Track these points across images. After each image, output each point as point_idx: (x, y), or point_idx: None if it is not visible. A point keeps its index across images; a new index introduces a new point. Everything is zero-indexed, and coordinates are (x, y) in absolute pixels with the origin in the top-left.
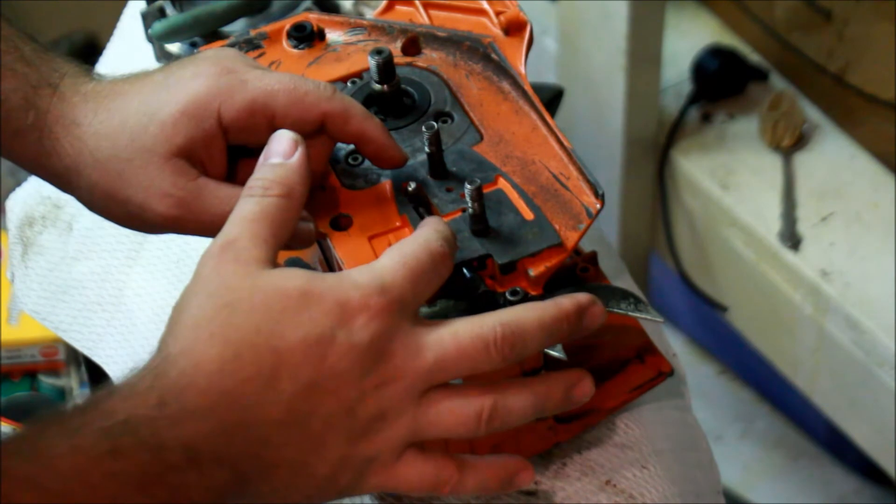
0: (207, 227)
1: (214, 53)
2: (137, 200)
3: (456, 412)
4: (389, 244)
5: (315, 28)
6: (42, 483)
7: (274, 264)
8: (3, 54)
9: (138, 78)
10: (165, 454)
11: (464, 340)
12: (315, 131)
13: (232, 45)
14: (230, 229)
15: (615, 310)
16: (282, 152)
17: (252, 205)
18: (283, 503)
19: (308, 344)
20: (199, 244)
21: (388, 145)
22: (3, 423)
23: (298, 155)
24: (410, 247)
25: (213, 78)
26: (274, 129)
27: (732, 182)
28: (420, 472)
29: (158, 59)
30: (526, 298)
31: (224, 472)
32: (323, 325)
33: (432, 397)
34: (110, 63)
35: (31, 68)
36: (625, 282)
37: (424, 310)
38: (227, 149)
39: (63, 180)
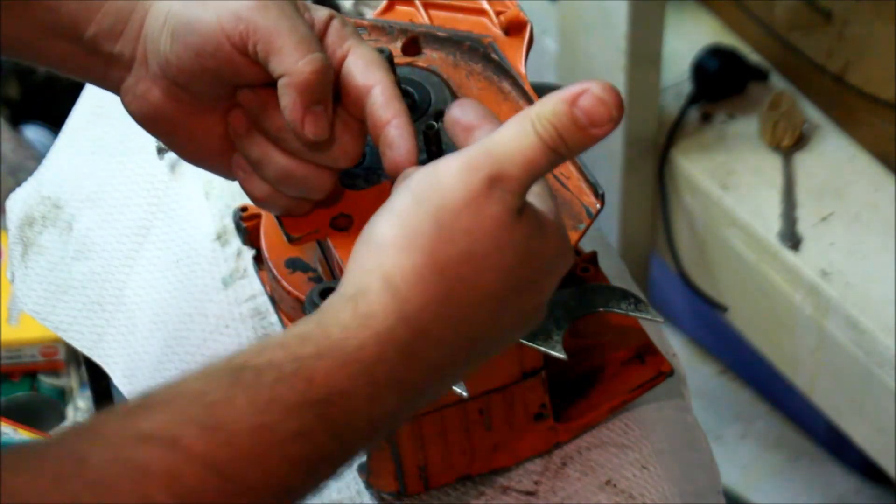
0: None
1: None
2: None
3: None
4: None
5: None
6: (216, 463)
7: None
8: None
9: None
10: (348, 435)
11: None
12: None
13: None
14: (506, 160)
15: (615, 310)
16: (592, 112)
17: (537, 144)
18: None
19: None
20: (199, 244)
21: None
22: (3, 424)
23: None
24: None
25: None
26: None
27: (732, 182)
28: None
29: None
30: None
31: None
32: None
33: None
34: None
35: None
36: (625, 282)
37: None
38: None
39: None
